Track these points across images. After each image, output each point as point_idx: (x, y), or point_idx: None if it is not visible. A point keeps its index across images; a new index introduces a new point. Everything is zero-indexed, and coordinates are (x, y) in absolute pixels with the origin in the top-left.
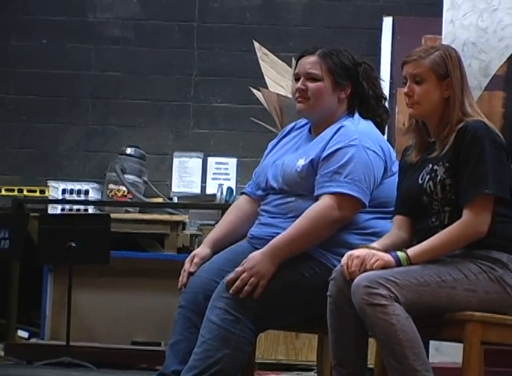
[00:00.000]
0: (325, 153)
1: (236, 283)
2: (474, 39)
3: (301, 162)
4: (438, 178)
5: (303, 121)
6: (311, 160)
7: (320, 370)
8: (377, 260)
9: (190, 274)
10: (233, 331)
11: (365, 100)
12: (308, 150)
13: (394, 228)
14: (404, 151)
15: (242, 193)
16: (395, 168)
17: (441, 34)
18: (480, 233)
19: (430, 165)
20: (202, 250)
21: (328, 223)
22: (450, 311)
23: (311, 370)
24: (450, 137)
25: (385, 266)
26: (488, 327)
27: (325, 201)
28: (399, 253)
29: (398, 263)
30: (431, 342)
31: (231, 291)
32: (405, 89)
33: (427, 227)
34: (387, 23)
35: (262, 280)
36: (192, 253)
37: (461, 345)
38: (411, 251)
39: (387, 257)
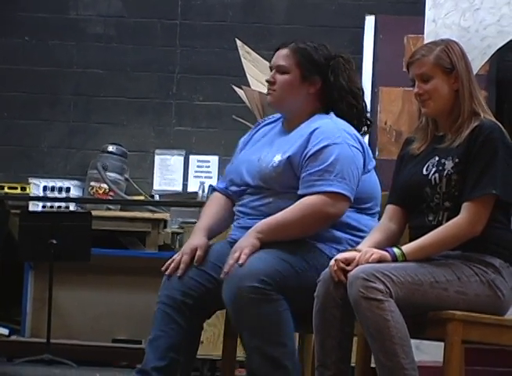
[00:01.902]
0: (309, 152)
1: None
2: (456, 38)
3: (278, 158)
4: (445, 172)
5: (275, 116)
6: (289, 158)
7: (302, 369)
8: (373, 254)
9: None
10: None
11: (335, 94)
12: (284, 144)
13: (384, 218)
14: (405, 142)
15: (213, 190)
16: (371, 165)
17: (423, 33)
18: (475, 232)
19: (437, 158)
20: (201, 240)
21: (321, 218)
22: (436, 311)
23: None
24: (463, 129)
25: (381, 260)
26: (470, 326)
27: (319, 198)
28: (395, 249)
29: (394, 258)
30: (412, 341)
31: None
32: (415, 90)
33: (424, 225)
34: (370, 21)
35: (244, 250)
36: (193, 244)
37: (442, 344)
38: (406, 247)
39: (383, 252)
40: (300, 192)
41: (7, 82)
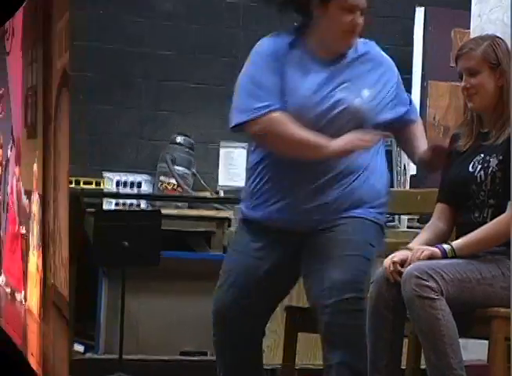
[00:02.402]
0: (392, 73)
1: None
2: (500, 34)
3: (366, 93)
4: (490, 169)
5: (283, 38)
6: (381, 91)
7: None
8: (423, 251)
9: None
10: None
11: None
12: (361, 78)
13: (433, 217)
14: (452, 138)
15: (271, 112)
16: None
17: (469, 28)
18: None
19: (483, 155)
20: None
21: None
22: (483, 308)
23: None
24: (507, 126)
25: (432, 256)
26: None
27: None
28: (445, 245)
29: (445, 254)
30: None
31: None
32: (462, 84)
33: (469, 222)
34: (420, 13)
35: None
36: None
37: (485, 342)
38: (456, 243)
39: (433, 248)
40: (406, 109)
41: (81, 60)
